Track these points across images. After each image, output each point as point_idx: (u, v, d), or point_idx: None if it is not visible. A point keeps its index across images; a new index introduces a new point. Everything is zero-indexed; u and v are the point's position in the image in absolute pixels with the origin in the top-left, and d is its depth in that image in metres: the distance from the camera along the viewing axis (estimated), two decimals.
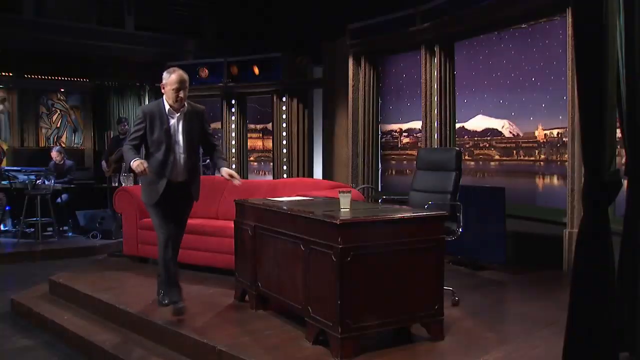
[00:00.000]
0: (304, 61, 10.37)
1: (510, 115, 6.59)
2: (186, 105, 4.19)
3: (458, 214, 4.36)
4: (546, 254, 5.82)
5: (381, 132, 8.63)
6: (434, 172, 4.76)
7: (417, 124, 7.89)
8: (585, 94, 2.76)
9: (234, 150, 11.49)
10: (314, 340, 3.45)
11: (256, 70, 10.86)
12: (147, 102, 12.52)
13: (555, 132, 6.04)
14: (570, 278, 2.86)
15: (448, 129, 7.27)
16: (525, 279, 5.37)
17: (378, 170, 8.67)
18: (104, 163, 9.24)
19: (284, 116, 10.85)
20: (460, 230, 4.31)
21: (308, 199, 4.45)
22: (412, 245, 3.40)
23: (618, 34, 2.83)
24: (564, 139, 5.83)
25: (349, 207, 3.71)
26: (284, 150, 10.85)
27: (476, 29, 6.88)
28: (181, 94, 4.10)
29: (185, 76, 4.14)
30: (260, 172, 11.45)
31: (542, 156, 6.22)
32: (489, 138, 6.88)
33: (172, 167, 4.16)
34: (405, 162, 8.22)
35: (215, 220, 5.87)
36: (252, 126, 11.52)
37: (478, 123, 7.03)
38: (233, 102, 11.36)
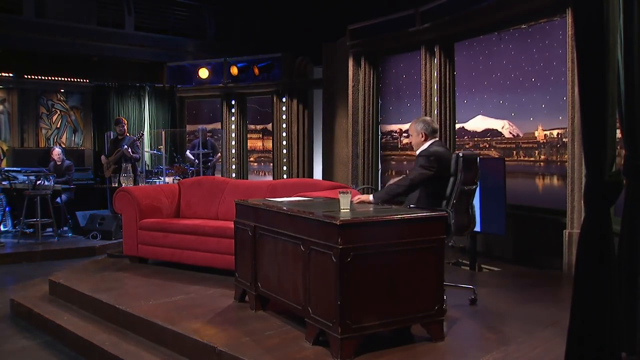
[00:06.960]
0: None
1: (510, 116, 6.59)
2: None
3: (449, 223, 4.05)
4: (546, 254, 5.82)
5: (381, 132, 8.63)
6: None
7: None
8: (586, 94, 2.76)
9: (234, 151, 11.49)
10: (314, 340, 3.45)
11: (256, 71, 10.88)
12: (147, 103, 12.52)
13: (555, 132, 6.03)
14: (573, 279, 2.86)
15: (448, 129, 7.27)
16: (526, 279, 5.37)
17: (378, 170, 8.67)
18: (103, 157, 9.28)
19: (284, 116, 10.86)
20: (451, 243, 4.21)
21: (308, 200, 4.45)
22: (412, 245, 3.39)
23: (618, 34, 2.83)
24: (564, 140, 5.83)
25: (349, 207, 3.71)
26: (284, 151, 10.85)
27: (476, 30, 6.88)
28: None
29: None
30: (260, 173, 11.45)
31: (542, 157, 6.22)
32: (489, 138, 6.87)
33: None
34: (405, 162, 8.21)
35: (215, 220, 5.87)
36: (252, 126, 11.53)
37: (478, 123, 7.03)
38: (233, 102, 11.37)
